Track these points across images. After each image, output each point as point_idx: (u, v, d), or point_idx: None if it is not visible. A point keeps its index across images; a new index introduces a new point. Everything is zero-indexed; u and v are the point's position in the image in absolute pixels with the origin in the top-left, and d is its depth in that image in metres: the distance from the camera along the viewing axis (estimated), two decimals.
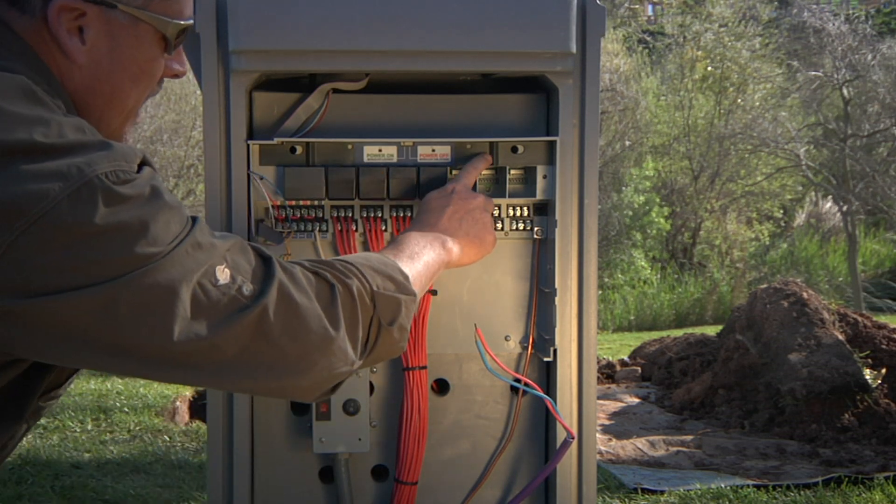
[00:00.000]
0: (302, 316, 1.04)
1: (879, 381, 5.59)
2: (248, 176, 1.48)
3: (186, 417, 5.86)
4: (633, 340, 9.28)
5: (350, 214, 1.51)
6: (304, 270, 1.09)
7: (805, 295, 6.21)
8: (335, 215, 1.51)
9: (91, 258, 0.91)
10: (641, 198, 13.19)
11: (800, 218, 15.53)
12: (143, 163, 0.99)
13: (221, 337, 0.98)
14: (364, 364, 1.15)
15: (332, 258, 1.17)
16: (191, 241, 0.98)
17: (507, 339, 1.57)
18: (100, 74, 1.05)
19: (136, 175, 0.95)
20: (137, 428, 5.31)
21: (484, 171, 1.54)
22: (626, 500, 4.21)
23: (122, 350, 0.95)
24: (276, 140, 1.48)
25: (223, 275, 0.99)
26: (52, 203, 0.88)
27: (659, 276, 13.12)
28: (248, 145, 1.48)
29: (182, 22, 1.10)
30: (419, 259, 1.28)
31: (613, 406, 6.25)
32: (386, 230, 1.52)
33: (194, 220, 1.01)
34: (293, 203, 1.49)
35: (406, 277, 1.20)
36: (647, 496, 4.25)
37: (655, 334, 9.36)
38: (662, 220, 13.34)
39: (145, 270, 0.93)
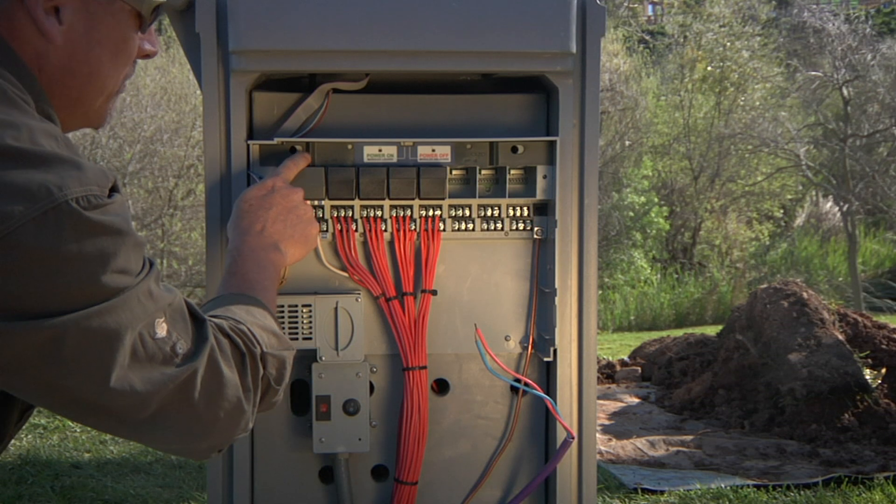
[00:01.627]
0: (223, 385, 1.04)
1: (879, 381, 5.59)
2: (248, 176, 1.48)
3: None
4: (633, 340, 9.28)
5: (350, 214, 1.51)
6: (226, 336, 1.08)
7: (805, 295, 6.21)
8: (335, 215, 1.51)
9: (49, 287, 0.87)
10: (641, 198, 13.19)
11: (800, 218, 15.53)
12: (114, 188, 0.96)
13: (150, 392, 0.95)
14: None
15: (217, 312, 1.15)
16: (144, 287, 0.95)
17: (507, 339, 1.57)
18: (77, 54, 1.04)
19: (106, 201, 0.92)
20: None
21: (484, 171, 1.54)
22: (626, 500, 4.21)
23: (53, 388, 0.92)
24: (276, 140, 1.48)
25: (161, 328, 0.97)
26: (16, 224, 0.85)
27: (659, 276, 13.12)
28: (248, 145, 1.48)
29: None
30: (266, 283, 1.28)
31: (613, 406, 6.24)
32: (386, 230, 1.52)
33: (152, 264, 0.99)
34: None
35: (280, 327, 1.22)
36: (647, 496, 4.25)
37: (655, 334, 9.36)
38: (662, 221, 13.34)
39: (98, 309, 0.90)
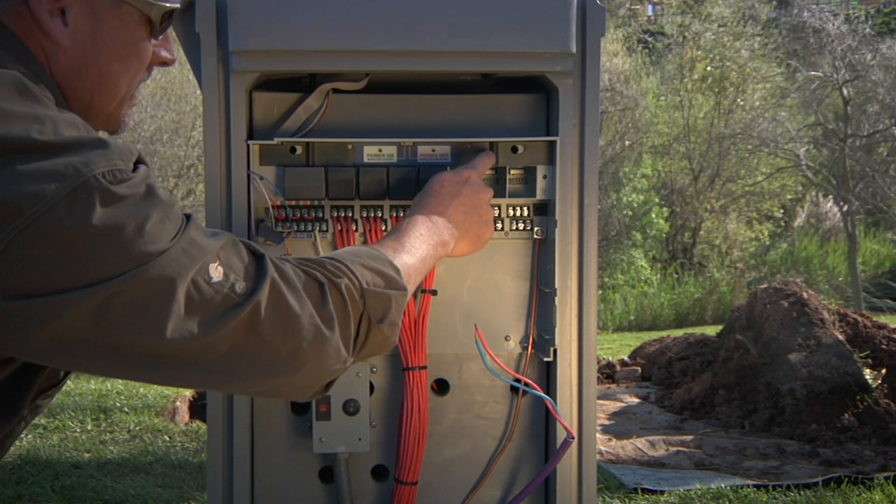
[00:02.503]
0: (294, 314, 1.03)
1: (879, 381, 5.59)
2: (248, 176, 1.48)
3: (186, 417, 5.86)
4: (633, 340, 9.28)
5: (350, 214, 1.51)
6: (294, 269, 1.08)
7: (805, 295, 6.21)
8: (335, 215, 1.51)
9: (88, 259, 0.90)
10: (640, 197, 13.19)
11: (800, 218, 15.54)
12: (139, 160, 0.98)
13: (214, 335, 0.97)
14: (355, 360, 1.15)
15: (322, 256, 1.16)
16: (186, 239, 0.97)
17: (507, 339, 1.57)
18: (85, 57, 1.05)
19: (132, 174, 0.95)
20: (137, 428, 5.31)
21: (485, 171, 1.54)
22: (626, 500, 4.21)
23: (115, 350, 0.95)
24: (276, 140, 1.48)
25: (216, 272, 0.99)
26: (49, 203, 0.88)
27: (659, 276, 13.12)
28: (248, 145, 1.48)
29: (166, 5, 1.09)
30: (416, 253, 1.26)
31: (613, 406, 6.25)
32: (386, 230, 1.52)
33: (188, 217, 1.01)
34: (293, 203, 1.49)
35: (398, 271, 1.19)
36: (647, 496, 4.25)
37: (655, 334, 9.36)
38: (662, 221, 13.34)
39: (141, 269, 0.93)
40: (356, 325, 1.12)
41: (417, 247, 1.28)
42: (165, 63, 1.15)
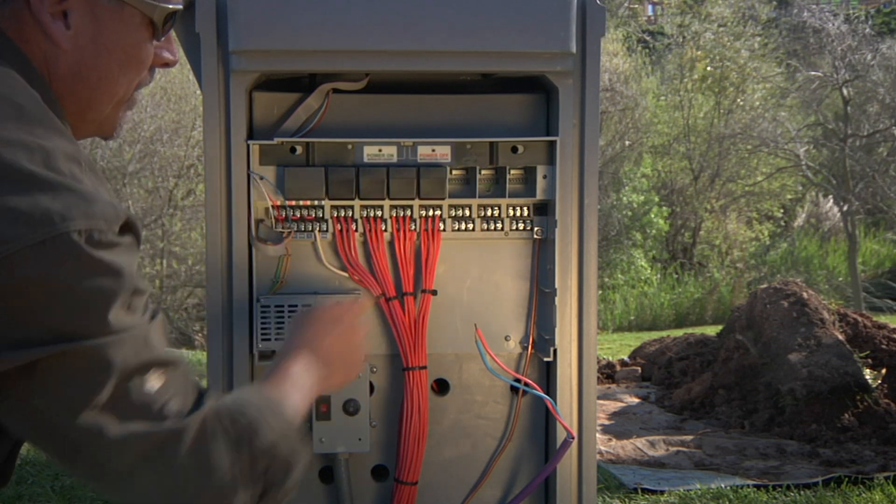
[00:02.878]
0: (208, 460, 0.96)
1: (879, 381, 5.59)
2: (248, 176, 1.48)
3: None
4: (633, 340, 9.28)
5: (350, 214, 1.51)
6: (220, 419, 0.99)
7: (805, 295, 6.21)
8: (335, 215, 1.51)
9: (35, 317, 0.85)
10: (640, 197, 13.19)
11: (800, 218, 15.54)
12: (127, 225, 0.92)
13: (124, 441, 0.90)
14: None
15: (233, 402, 1.05)
16: (140, 334, 0.91)
17: (507, 339, 1.57)
18: (85, 59, 1.02)
19: (113, 239, 0.89)
20: None
21: (484, 171, 1.54)
22: (626, 500, 4.21)
23: (34, 418, 0.89)
24: (276, 140, 1.48)
25: (154, 382, 0.92)
26: (11, 249, 0.82)
27: (659, 276, 13.12)
28: (248, 145, 1.48)
29: (169, 6, 1.07)
30: (303, 398, 1.20)
31: (613, 406, 6.24)
32: (386, 230, 1.52)
33: (155, 314, 0.95)
34: (293, 203, 1.49)
35: (296, 425, 1.12)
36: (647, 496, 4.25)
37: (655, 334, 9.35)
38: (662, 221, 13.34)
39: (85, 345, 0.87)
40: (259, 484, 1.05)
41: (303, 390, 1.22)
42: (168, 64, 1.13)
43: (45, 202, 0.85)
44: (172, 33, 1.15)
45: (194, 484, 0.96)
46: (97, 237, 0.87)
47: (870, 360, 5.73)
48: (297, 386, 1.21)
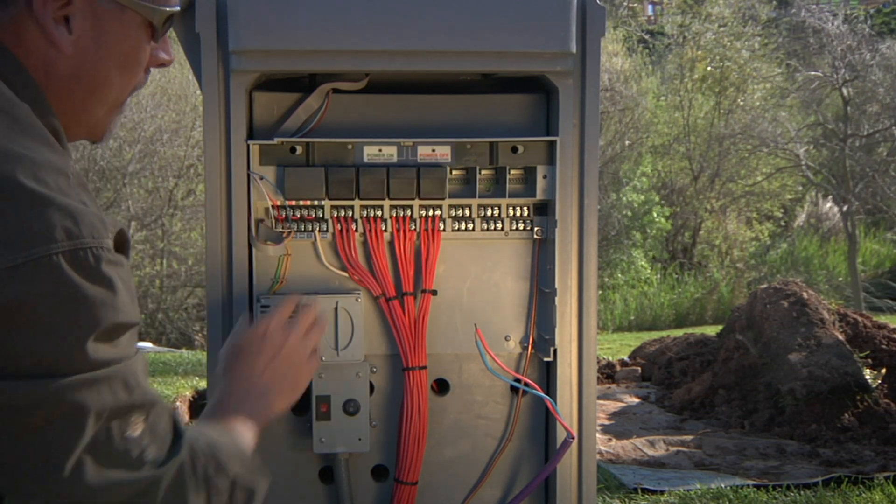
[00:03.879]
0: (186, 500, 0.95)
1: (879, 381, 5.59)
2: (248, 176, 1.48)
3: (186, 417, 5.86)
4: (633, 340, 9.28)
5: (350, 214, 1.51)
6: (199, 457, 1.00)
7: (805, 295, 6.21)
8: (335, 215, 1.51)
9: (10, 346, 0.80)
10: (641, 197, 13.19)
11: (800, 218, 15.54)
12: (119, 240, 0.89)
13: (102, 491, 0.87)
14: None
15: (205, 442, 1.05)
16: (125, 374, 0.87)
17: (507, 339, 1.57)
18: (86, 63, 1.02)
19: (104, 256, 0.85)
20: None
21: (484, 171, 1.54)
22: (626, 500, 4.21)
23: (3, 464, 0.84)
24: (276, 140, 1.48)
25: (136, 428, 0.89)
26: None
27: (659, 276, 13.12)
28: (248, 145, 1.48)
29: (168, 9, 1.07)
30: (249, 432, 1.21)
31: (613, 406, 6.24)
32: (386, 230, 1.52)
33: (140, 353, 0.91)
34: (293, 203, 1.49)
35: (251, 459, 1.13)
36: (647, 496, 4.25)
37: (655, 334, 9.36)
38: (663, 220, 13.34)
39: (63, 383, 0.81)
40: None
41: (253, 427, 1.22)
42: (163, 64, 1.13)
43: (28, 220, 0.81)
44: (169, 32, 1.15)
45: None
46: (82, 256, 0.83)
47: (870, 360, 5.73)
48: (246, 422, 1.20)
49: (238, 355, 1.31)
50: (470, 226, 1.53)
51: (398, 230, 1.51)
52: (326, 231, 1.51)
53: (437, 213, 1.52)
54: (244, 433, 1.18)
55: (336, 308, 1.49)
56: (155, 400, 0.93)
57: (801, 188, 14.70)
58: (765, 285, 6.99)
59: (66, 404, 0.82)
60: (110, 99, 1.07)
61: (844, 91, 11.93)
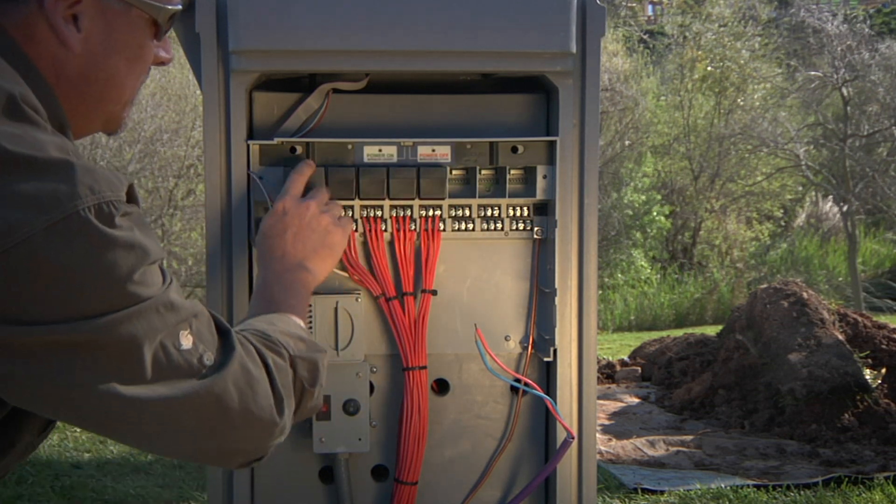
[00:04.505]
0: (256, 393, 1.03)
1: (879, 381, 5.59)
2: (248, 176, 1.48)
3: None
4: (633, 340, 9.28)
5: (350, 214, 1.51)
6: (250, 347, 1.07)
7: (805, 295, 6.21)
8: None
9: (60, 296, 0.87)
10: (642, 196, 13.19)
11: (800, 218, 15.53)
12: (130, 194, 0.95)
13: (179, 403, 0.95)
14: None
15: (245, 327, 1.15)
16: (164, 299, 0.94)
17: (507, 339, 1.57)
18: (95, 62, 1.04)
19: (122, 208, 0.92)
20: None
21: (484, 171, 1.54)
22: (626, 500, 4.21)
23: (70, 400, 0.91)
24: (276, 140, 1.48)
25: (186, 340, 0.97)
26: (26, 234, 0.85)
27: (659, 276, 13.11)
28: (248, 145, 1.48)
29: (171, 7, 1.09)
30: (293, 302, 1.29)
31: (613, 406, 6.24)
32: (386, 230, 1.52)
33: (170, 278, 0.98)
34: None
35: (309, 334, 1.21)
36: (647, 496, 4.25)
37: (655, 334, 9.35)
38: (663, 219, 13.33)
39: (113, 318, 0.89)
40: (292, 394, 1.12)
41: (288, 298, 1.30)
42: (163, 63, 1.15)
43: (50, 184, 0.87)
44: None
45: (248, 417, 1.02)
46: (106, 210, 0.90)
47: (870, 360, 5.73)
48: (292, 303, 1.28)
49: (266, 241, 1.38)
50: (470, 226, 1.53)
51: (398, 230, 1.51)
52: None
53: (437, 213, 1.52)
54: (292, 318, 1.25)
55: (336, 308, 1.49)
56: (196, 310, 1.00)
57: (801, 188, 14.69)
58: (765, 285, 6.99)
59: (121, 335, 0.90)
60: (124, 96, 1.10)
61: (844, 91, 11.92)
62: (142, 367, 0.92)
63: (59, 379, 0.89)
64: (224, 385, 0.99)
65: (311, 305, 1.48)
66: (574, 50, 1.46)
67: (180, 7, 1.12)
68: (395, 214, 1.51)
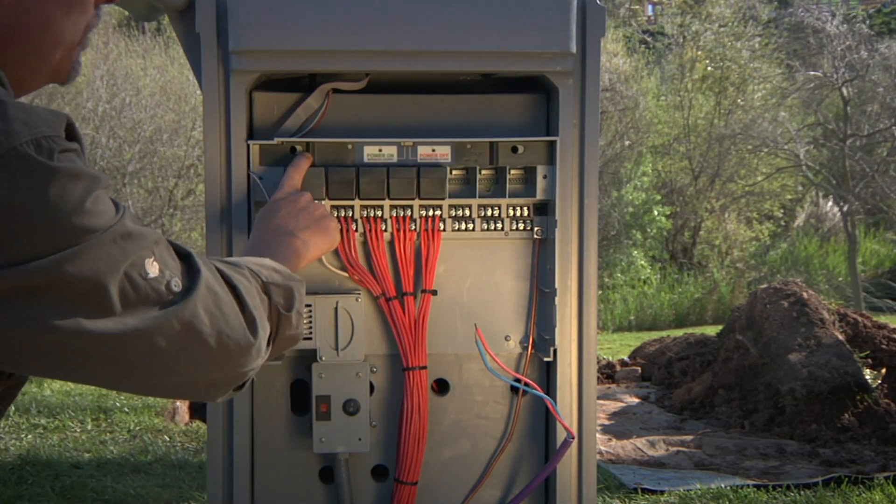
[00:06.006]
0: (226, 314, 1.02)
1: (879, 381, 5.59)
2: (248, 176, 1.48)
3: (186, 417, 5.86)
4: (633, 340, 9.28)
5: (350, 214, 1.51)
6: (217, 271, 1.06)
7: (805, 295, 6.21)
8: (335, 215, 1.51)
9: (6, 237, 0.83)
10: (642, 195, 13.19)
11: (800, 218, 15.53)
12: (69, 132, 0.91)
13: (150, 332, 0.93)
14: (269, 357, 1.14)
15: (222, 260, 1.14)
16: (120, 229, 0.91)
17: (507, 339, 1.57)
18: (27, 6, 0.99)
19: (61, 144, 0.88)
20: (137, 428, 5.31)
21: (484, 171, 1.54)
22: (626, 500, 4.21)
23: (39, 346, 0.88)
24: (276, 140, 1.48)
25: (153, 268, 0.94)
26: None
27: (659, 276, 13.12)
28: (248, 145, 1.48)
29: None
30: (278, 258, 1.27)
31: (613, 406, 6.24)
32: (386, 230, 1.52)
33: (123, 206, 0.95)
34: None
35: (284, 267, 1.20)
36: (647, 496, 4.25)
37: (655, 334, 9.36)
38: (664, 220, 13.33)
39: (66, 255, 0.86)
40: (269, 320, 1.12)
41: (273, 255, 1.28)
42: (109, 0, 1.10)
43: None
44: None
45: (223, 339, 1.00)
46: (46, 145, 0.86)
47: (870, 360, 5.73)
48: (278, 257, 1.27)
49: (258, 222, 1.38)
50: (470, 226, 1.54)
51: (398, 230, 1.51)
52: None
53: (437, 213, 1.52)
54: (273, 259, 1.23)
55: (336, 308, 1.49)
56: (155, 237, 0.97)
57: (801, 188, 14.70)
58: (765, 285, 6.99)
59: (82, 272, 0.87)
60: (62, 42, 1.05)
61: (844, 91, 11.92)
62: (108, 301, 0.89)
63: (23, 325, 0.86)
64: (194, 309, 0.97)
65: (310, 305, 1.48)
66: (574, 50, 1.46)
67: None
68: (395, 214, 1.51)
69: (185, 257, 1.01)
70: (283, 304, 1.14)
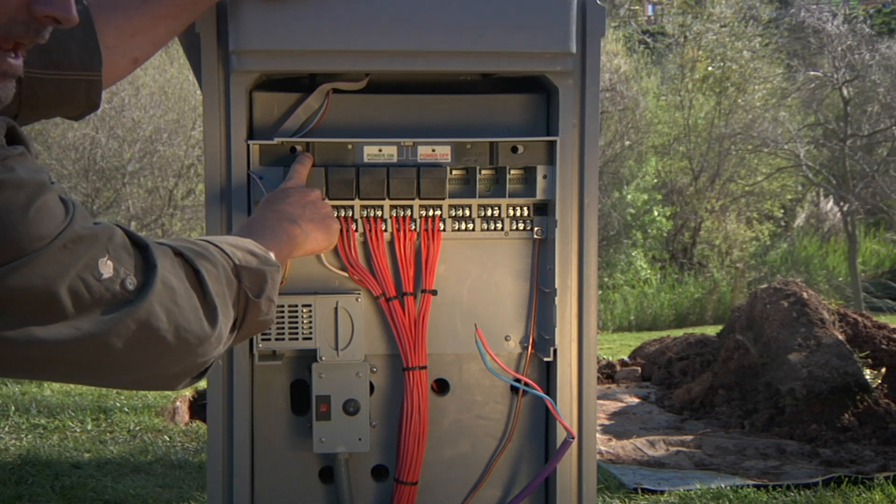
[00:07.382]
0: (183, 308, 1.00)
1: (879, 381, 5.59)
2: (248, 176, 1.48)
3: (186, 417, 5.86)
4: (633, 340, 9.28)
5: (350, 214, 1.51)
6: (174, 258, 1.03)
7: (805, 295, 6.21)
8: (335, 215, 1.50)
9: None
10: (643, 195, 13.19)
11: (800, 218, 15.53)
12: (11, 134, 0.88)
13: (106, 334, 0.91)
14: (235, 341, 1.12)
15: (188, 240, 1.12)
16: (69, 235, 0.88)
17: (507, 339, 1.57)
18: None
19: (2, 152, 0.85)
20: (137, 428, 5.31)
21: (484, 171, 1.54)
22: (626, 500, 4.21)
23: None
24: (276, 140, 1.48)
25: (106, 268, 0.92)
26: None
27: (659, 276, 13.12)
28: (248, 145, 1.48)
29: None
30: (271, 242, 1.25)
31: (613, 406, 6.24)
32: (386, 230, 1.52)
33: (72, 205, 0.91)
34: None
35: (265, 251, 1.18)
36: (647, 496, 4.25)
37: (655, 334, 9.36)
38: (664, 220, 13.33)
39: (15, 266, 0.83)
40: (234, 305, 1.10)
41: (266, 238, 1.26)
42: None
43: None
44: None
45: (181, 333, 0.98)
46: None
47: (870, 360, 5.73)
48: (270, 238, 1.24)
49: (266, 203, 1.36)
50: (470, 226, 1.53)
51: (398, 230, 1.51)
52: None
53: (437, 213, 1.52)
54: (262, 237, 1.21)
55: (336, 308, 1.49)
56: (109, 232, 0.95)
57: (801, 188, 14.70)
58: (765, 285, 6.99)
59: (30, 282, 0.84)
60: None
61: (844, 91, 11.92)
62: (60, 307, 0.87)
63: None
64: (150, 307, 0.95)
65: (310, 305, 1.48)
66: (574, 50, 1.46)
67: None
68: (395, 214, 1.51)
69: (142, 249, 0.99)
70: (253, 289, 1.12)
